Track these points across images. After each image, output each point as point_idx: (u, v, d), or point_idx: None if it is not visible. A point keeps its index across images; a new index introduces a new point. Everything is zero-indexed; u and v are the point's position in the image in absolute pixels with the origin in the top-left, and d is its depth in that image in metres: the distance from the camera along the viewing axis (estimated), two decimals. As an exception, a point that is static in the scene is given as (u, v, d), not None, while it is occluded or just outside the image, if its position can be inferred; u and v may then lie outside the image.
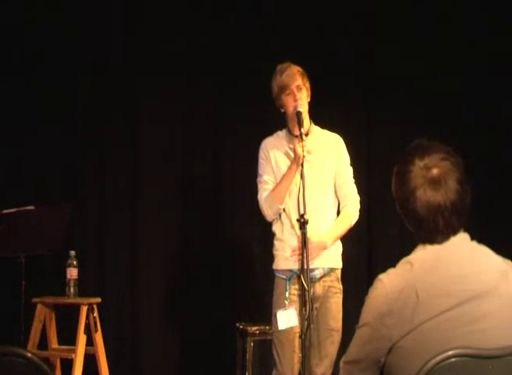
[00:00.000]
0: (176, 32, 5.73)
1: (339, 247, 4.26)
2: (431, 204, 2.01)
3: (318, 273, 4.13)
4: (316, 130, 4.32)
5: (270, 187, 4.22)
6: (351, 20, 5.82)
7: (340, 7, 5.80)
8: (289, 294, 4.11)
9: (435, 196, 2.01)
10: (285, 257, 4.19)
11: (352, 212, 4.26)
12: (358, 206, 4.30)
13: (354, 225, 4.32)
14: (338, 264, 4.24)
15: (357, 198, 4.30)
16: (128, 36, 5.69)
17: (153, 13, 5.75)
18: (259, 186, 4.28)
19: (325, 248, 4.12)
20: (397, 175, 2.10)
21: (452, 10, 5.85)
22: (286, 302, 4.09)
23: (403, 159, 2.09)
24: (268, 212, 4.22)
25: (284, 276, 4.17)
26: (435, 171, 2.02)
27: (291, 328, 4.07)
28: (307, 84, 4.22)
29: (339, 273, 4.23)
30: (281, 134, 4.32)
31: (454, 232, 2.04)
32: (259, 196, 4.26)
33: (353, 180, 4.31)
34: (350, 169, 4.32)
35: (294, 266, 4.14)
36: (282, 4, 5.80)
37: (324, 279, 4.16)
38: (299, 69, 4.22)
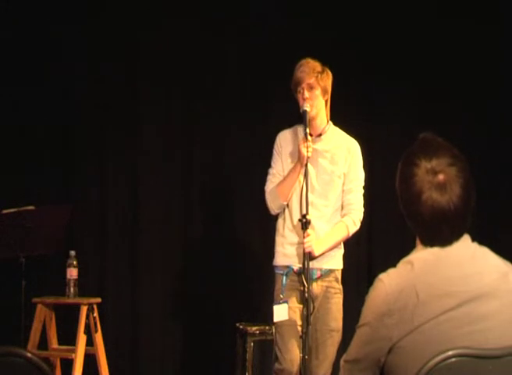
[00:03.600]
0: (176, 32, 5.73)
1: (339, 248, 4.24)
2: (436, 208, 1.98)
3: (314, 274, 4.12)
4: (333, 131, 4.26)
5: (277, 180, 4.21)
6: (351, 21, 5.83)
7: (340, 8, 5.81)
8: (286, 289, 4.12)
9: (440, 200, 1.98)
10: (284, 253, 4.20)
11: (349, 223, 4.17)
12: (360, 217, 4.20)
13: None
14: (337, 265, 4.22)
15: (361, 209, 4.21)
16: (128, 36, 5.69)
17: (153, 13, 5.75)
18: (268, 177, 4.27)
19: (313, 256, 4.07)
20: (402, 174, 2.06)
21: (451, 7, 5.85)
22: (282, 296, 4.10)
23: (409, 158, 2.05)
24: (271, 205, 4.22)
25: (281, 272, 4.18)
26: (441, 177, 1.99)
27: (292, 322, 4.07)
28: (324, 83, 4.15)
29: (338, 274, 4.22)
30: (297, 129, 4.25)
31: (457, 238, 2.03)
32: (266, 187, 4.26)
33: (361, 191, 4.23)
34: (360, 177, 4.23)
35: (292, 262, 4.14)
36: (283, 5, 5.80)
37: (322, 279, 4.16)
38: (316, 66, 4.15)
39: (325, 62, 4.26)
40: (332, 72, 4.24)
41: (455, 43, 5.82)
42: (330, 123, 4.26)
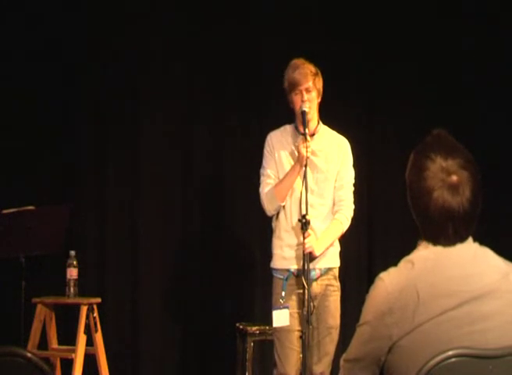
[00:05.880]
0: (176, 32, 5.74)
1: (336, 247, 4.26)
2: (445, 208, 1.98)
3: (314, 274, 4.13)
4: (323, 131, 4.30)
5: (272, 181, 4.22)
6: (351, 22, 5.82)
7: (341, 8, 5.81)
8: (286, 294, 4.11)
9: (451, 201, 1.98)
10: (282, 256, 4.19)
11: (343, 219, 4.20)
12: (351, 213, 4.24)
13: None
14: (335, 263, 4.24)
15: (352, 206, 4.24)
16: (128, 36, 5.69)
17: (152, 13, 5.75)
18: (261, 179, 4.27)
19: (314, 257, 4.09)
20: (415, 164, 2.05)
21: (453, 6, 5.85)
22: (282, 301, 4.10)
23: (424, 150, 2.04)
24: (268, 207, 4.22)
25: (281, 276, 4.17)
26: (454, 177, 1.98)
27: (291, 328, 4.07)
28: (319, 85, 4.19)
29: (336, 272, 4.24)
30: (288, 129, 4.29)
31: (461, 240, 2.03)
32: (261, 189, 4.25)
33: (352, 188, 4.26)
34: (351, 174, 4.27)
35: (291, 265, 4.14)
36: (283, 5, 5.80)
37: (321, 278, 4.17)
38: (312, 69, 4.18)
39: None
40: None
41: (455, 43, 5.82)
42: (321, 122, 4.29)
